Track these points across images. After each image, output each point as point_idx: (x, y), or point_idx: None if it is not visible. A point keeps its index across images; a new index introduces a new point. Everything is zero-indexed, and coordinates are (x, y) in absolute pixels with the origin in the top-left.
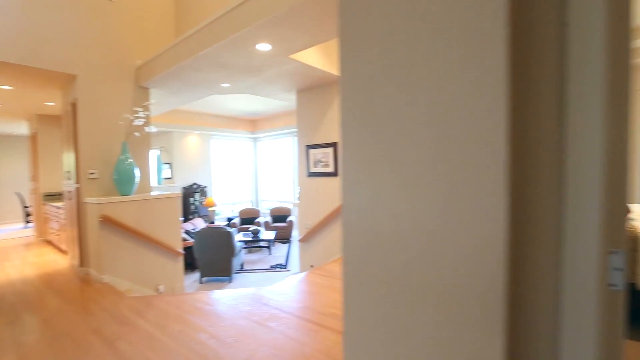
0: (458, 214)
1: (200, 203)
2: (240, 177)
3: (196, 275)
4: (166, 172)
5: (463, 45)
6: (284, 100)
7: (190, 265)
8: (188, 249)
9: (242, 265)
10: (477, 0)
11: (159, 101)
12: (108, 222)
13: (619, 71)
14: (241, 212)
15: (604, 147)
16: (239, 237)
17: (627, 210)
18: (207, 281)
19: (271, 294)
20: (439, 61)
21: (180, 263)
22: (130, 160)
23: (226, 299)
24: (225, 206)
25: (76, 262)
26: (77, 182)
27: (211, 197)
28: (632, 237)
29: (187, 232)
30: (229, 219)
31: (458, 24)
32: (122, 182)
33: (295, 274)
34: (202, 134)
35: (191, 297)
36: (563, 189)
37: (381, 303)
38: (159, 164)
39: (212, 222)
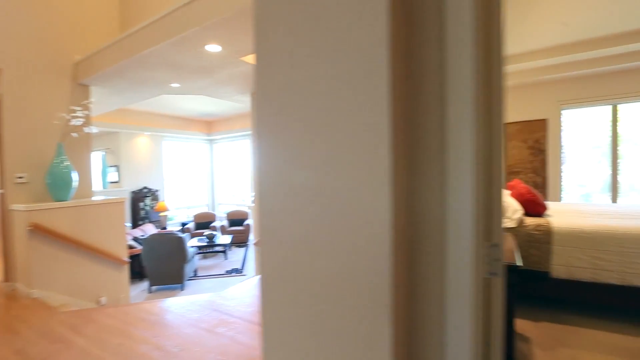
0: (354, 216)
1: (151, 208)
2: (195, 181)
3: (145, 284)
4: (113, 176)
5: (355, 65)
6: (239, 102)
7: (138, 274)
8: (136, 257)
9: (195, 272)
10: (363, 30)
11: (102, 100)
12: (39, 231)
13: (489, 93)
14: (196, 217)
15: (476, 157)
16: (193, 243)
17: (503, 211)
18: (157, 290)
19: (222, 299)
20: (336, 77)
21: (125, 272)
22: (67, 163)
23: (174, 307)
24: (179, 211)
25: None
26: (1, 187)
27: (163, 201)
28: (546, 231)
29: (135, 239)
30: (183, 224)
31: (350, 47)
32: (56, 187)
33: (250, 278)
34: (153, 135)
35: (136, 308)
36: (446, 194)
37: (293, 300)
38: (104, 167)
39: (164, 228)
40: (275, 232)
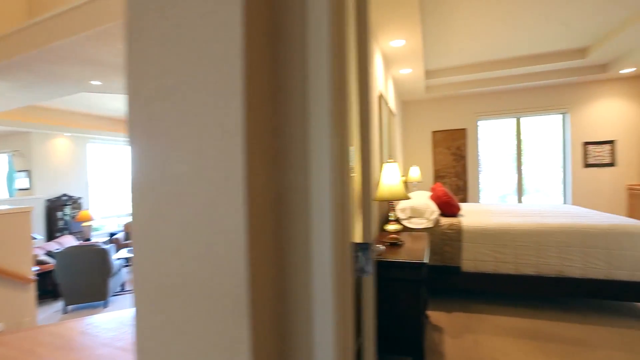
0: (216, 222)
1: (72, 217)
2: (127, 187)
3: (60, 304)
4: (23, 182)
5: (215, 75)
6: None
7: (51, 293)
8: (49, 274)
9: (122, 286)
10: (221, 44)
11: (5, 94)
12: None
13: (342, 112)
14: (126, 226)
15: (335, 167)
16: (121, 254)
17: (374, 215)
18: (75, 309)
19: None
20: (200, 89)
21: (31, 292)
22: None
23: (88, 326)
24: (107, 220)
25: None
26: None
27: (87, 210)
28: (458, 230)
29: (48, 254)
30: (112, 234)
31: (210, 58)
32: None
33: None
34: (76, 136)
35: (39, 332)
36: (310, 200)
37: (164, 306)
38: (11, 172)
39: (88, 239)
40: (147, 238)
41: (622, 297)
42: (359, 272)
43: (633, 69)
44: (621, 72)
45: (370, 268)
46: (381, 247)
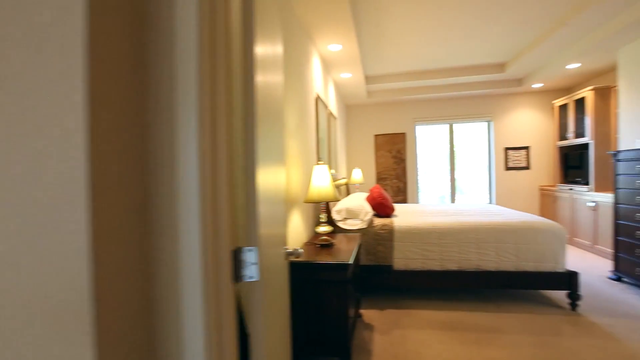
0: (55, 232)
1: None
2: None
3: None
4: None
5: (55, 69)
6: None
7: None
8: None
9: None
10: (62, 29)
11: None
12: None
13: (211, 119)
14: None
15: (202, 172)
16: None
17: (258, 219)
18: None
19: None
20: (40, 80)
21: None
22: None
23: None
24: None
25: None
26: None
27: None
28: (390, 230)
29: None
30: None
31: (52, 45)
32: None
33: None
34: None
35: None
36: (177, 206)
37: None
38: None
39: None
40: None
41: (529, 286)
42: (244, 278)
43: (541, 84)
44: (533, 86)
45: (255, 273)
46: (300, 250)
